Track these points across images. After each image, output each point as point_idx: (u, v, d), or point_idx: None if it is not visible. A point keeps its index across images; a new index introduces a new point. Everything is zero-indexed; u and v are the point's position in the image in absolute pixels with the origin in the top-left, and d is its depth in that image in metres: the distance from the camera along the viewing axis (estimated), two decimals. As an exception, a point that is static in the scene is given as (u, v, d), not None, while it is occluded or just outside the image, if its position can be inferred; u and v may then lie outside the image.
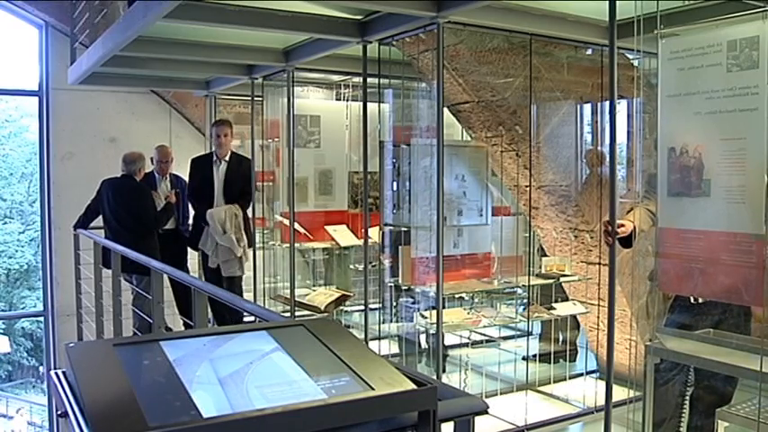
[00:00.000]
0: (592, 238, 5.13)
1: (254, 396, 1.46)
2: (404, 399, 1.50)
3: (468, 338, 6.04)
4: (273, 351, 1.70)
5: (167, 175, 7.09)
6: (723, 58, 2.77)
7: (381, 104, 5.60)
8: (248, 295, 7.00)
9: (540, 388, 5.61)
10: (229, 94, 8.07)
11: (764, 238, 2.76)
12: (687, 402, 3.81)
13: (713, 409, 3.47)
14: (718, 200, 2.78)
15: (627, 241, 3.42)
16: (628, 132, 5.46)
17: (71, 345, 1.62)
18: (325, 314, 6.23)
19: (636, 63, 4.18)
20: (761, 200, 2.68)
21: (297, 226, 6.47)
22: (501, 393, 5.42)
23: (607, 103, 4.64)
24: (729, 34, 2.76)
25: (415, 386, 1.53)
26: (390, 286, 5.60)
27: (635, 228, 3.39)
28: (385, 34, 4.81)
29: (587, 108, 5.57)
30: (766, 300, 3.40)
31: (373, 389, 1.51)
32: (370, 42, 5.02)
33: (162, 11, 4.12)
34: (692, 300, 3.51)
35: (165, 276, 4.21)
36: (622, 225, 3.36)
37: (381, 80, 5.32)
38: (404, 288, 5.33)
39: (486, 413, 1.69)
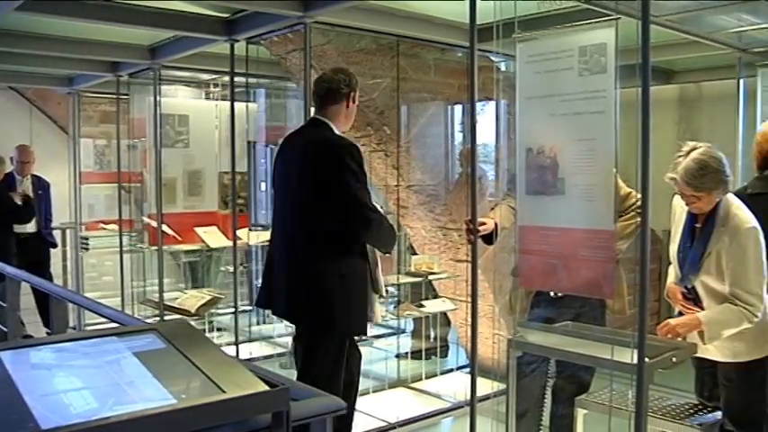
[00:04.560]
0: (459, 236, 5.26)
1: (100, 404, 1.41)
2: (255, 401, 1.48)
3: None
4: (124, 357, 1.64)
5: (28, 176, 6.78)
6: (575, 62, 2.89)
7: (250, 104, 5.54)
8: (115, 300, 6.77)
9: (413, 384, 5.69)
10: (94, 92, 7.76)
11: (614, 233, 2.91)
12: (549, 393, 3.96)
13: (573, 398, 3.63)
14: (573, 198, 2.90)
15: (489, 239, 3.52)
16: (496, 133, 5.64)
17: None
18: (196, 317, 6.11)
19: (503, 67, 4.31)
20: (610, 197, 2.82)
21: (165, 228, 6.31)
22: (374, 391, 5.46)
23: (477, 103, 4.77)
24: (581, 40, 2.88)
25: (267, 388, 1.52)
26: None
27: (497, 225, 3.50)
28: (252, 33, 4.77)
29: (458, 109, 5.71)
30: (618, 292, 3.60)
31: (225, 392, 1.48)
32: (238, 41, 4.96)
33: (13, 4, 3.92)
34: (552, 294, 3.66)
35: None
36: (484, 223, 3.45)
37: (250, 79, 5.26)
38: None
39: (343, 412, 1.70)
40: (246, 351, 5.95)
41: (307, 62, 4.28)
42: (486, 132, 6.06)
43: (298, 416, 1.60)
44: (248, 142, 6.01)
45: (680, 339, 3.35)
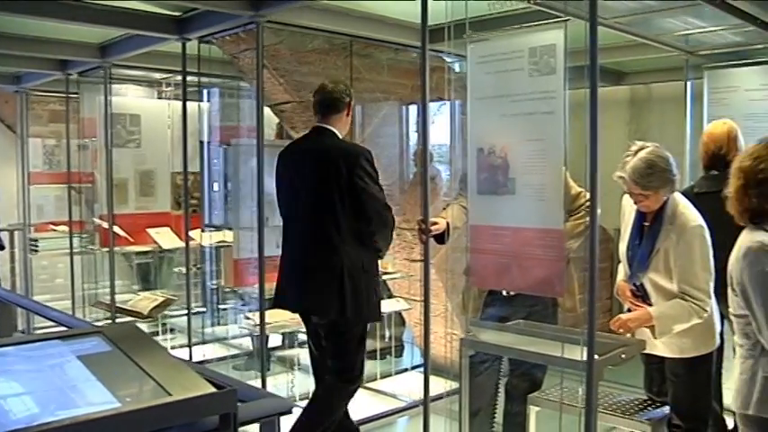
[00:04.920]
0: (413, 236, 5.26)
1: (41, 409, 1.38)
2: (202, 403, 1.47)
3: (296, 338, 6.04)
4: (67, 361, 1.62)
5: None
6: (525, 63, 2.92)
7: (202, 103, 5.49)
8: (66, 303, 6.66)
9: (368, 384, 5.67)
10: (43, 91, 7.60)
11: (564, 232, 2.95)
12: (502, 391, 4.00)
13: (526, 396, 3.67)
14: (523, 197, 2.93)
15: (442, 238, 3.54)
16: (450, 133, 5.67)
17: None
18: (149, 319, 6.04)
19: (457, 67, 4.34)
20: (560, 197, 2.85)
21: (117, 229, 6.23)
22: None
23: (432, 104, 4.79)
24: (531, 41, 2.91)
25: (214, 390, 1.51)
26: (213, 289, 5.51)
27: (449, 225, 3.51)
28: (204, 32, 4.72)
29: (413, 109, 5.72)
30: (570, 291, 3.65)
31: (170, 394, 1.47)
32: (190, 40, 4.91)
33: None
34: (504, 293, 3.69)
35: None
36: (436, 223, 3.47)
37: (202, 79, 5.21)
38: (226, 290, 5.25)
39: (291, 413, 1.70)
40: (200, 353, 5.89)
41: (259, 62, 4.25)
42: (441, 132, 6.10)
43: (246, 417, 1.59)
44: (201, 142, 5.95)
45: (629, 336, 3.41)
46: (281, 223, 3.98)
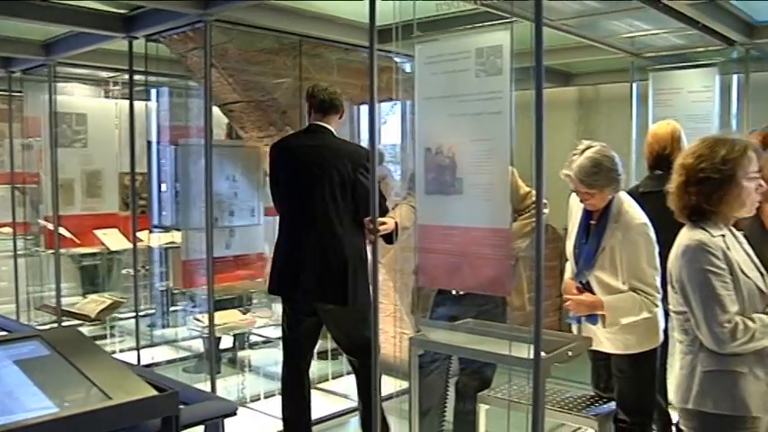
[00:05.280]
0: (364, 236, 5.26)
1: (-25, 415, 1.35)
2: (143, 406, 1.45)
3: (247, 340, 6.00)
4: (4, 366, 1.58)
5: None
6: (472, 64, 2.93)
7: (150, 103, 5.41)
8: (9, 307, 6.51)
9: (319, 385, 5.66)
10: (-15, 89, 7.43)
11: (511, 232, 2.97)
12: (452, 390, 4.02)
13: (476, 394, 3.69)
14: (470, 197, 2.94)
15: (390, 238, 3.55)
16: (401, 133, 5.69)
17: None
18: (97, 322, 5.94)
19: (408, 68, 4.34)
20: (507, 197, 2.87)
21: (62, 230, 6.10)
22: (279, 393, 5.41)
23: (384, 104, 4.81)
24: (477, 42, 2.92)
25: (156, 393, 1.49)
26: (162, 290, 5.43)
27: (397, 224, 3.52)
28: (151, 30, 4.65)
29: (364, 109, 5.71)
30: (518, 289, 3.69)
31: (110, 398, 1.44)
32: (137, 38, 4.83)
33: None
34: (454, 292, 3.71)
35: None
36: (384, 222, 3.48)
37: (150, 78, 5.14)
38: (174, 292, 5.19)
39: (235, 414, 1.68)
40: (148, 356, 5.82)
41: (207, 61, 4.21)
42: (392, 132, 6.12)
43: (190, 419, 1.58)
44: (148, 142, 5.88)
45: (575, 332, 3.47)
46: (279, 217, 4.18)
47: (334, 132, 4.03)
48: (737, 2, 4.55)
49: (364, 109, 5.71)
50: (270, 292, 4.19)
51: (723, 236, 2.50)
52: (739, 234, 2.64)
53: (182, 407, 1.57)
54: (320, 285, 3.93)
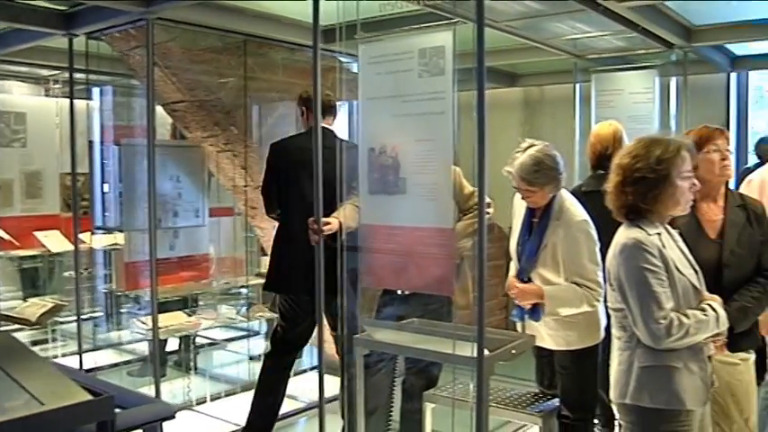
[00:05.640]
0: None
1: None
2: (76, 412, 1.42)
3: (193, 342, 5.93)
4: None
5: None
6: (415, 64, 2.94)
7: (91, 102, 5.31)
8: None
9: (267, 387, 5.63)
10: None
11: (454, 231, 2.99)
12: (398, 389, 4.03)
13: (422, 393, 3.71)
14: (414, 197, 2.95)
15: (335, 238, 3.54)
16: (348, 133, 5.67)
17: None
18: (38, 327, 5.80)
19: (355, 68, 4.34)
20: (450, 196, 2.89)
21: (1, 232, 5.96)
22: (226, 395, 5.38)
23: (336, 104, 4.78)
24: (421, 43, 2.94)
25: (90, 397, 1.46)
26: (105, 293, 5.34)
27: (341, 225, 3.52)
28: (92, 28, 4.56)
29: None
30: (464, 289, 3.71)
31: (43, 404, 1.41)
32: (77, 35, 4.73)
33: None
34: (399, 292, 3.72)
35: None
36: (328, 223, 3.47)
37: (91, 76, 5.04)
38: (118, 294, 5.10)
39: (174, 418, 1.66)
40: (91, 360, 5.71)
41: (149, 60, 4.14)
42: (341, 132, 6.10)
43: (126, 424, 1.55)
44: (90, 142, 5.77)
45: (519, 330, 3.51)
46: (279, 217, 4.29)
47: (336, 134, 4.12)
48: (675, 5, 4.65)
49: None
50: (272, 290, 4.33)
51: (659, 234, 2.55)
52: (675, 232, 2.70)
53: (118, 411, 1.55)
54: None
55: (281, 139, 4.37)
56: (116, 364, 6.05)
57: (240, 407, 5.12)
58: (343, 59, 4.61)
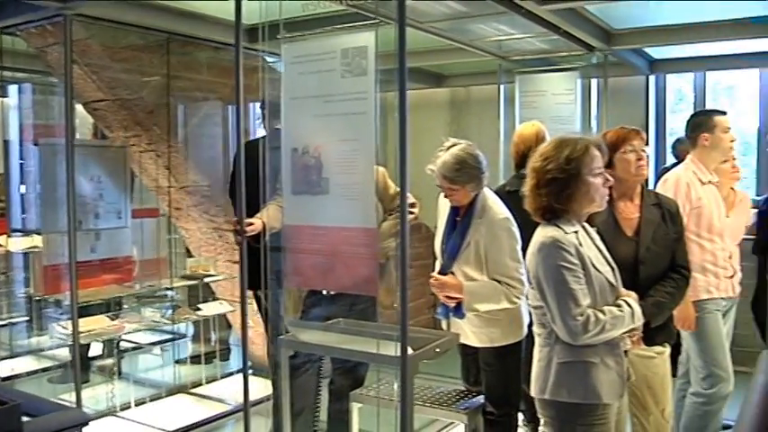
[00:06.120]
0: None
1: None
2: (-21, 421, 1.38)
3: (117, 347, 5.80)
4: None
5: None
6: (338, 64, 2.94)
7: (8, 99, 5.13)
8: None
9: (193, 390, 5.55)
10: None
11: (377, 231, 3.00)
12: (324, 389, 4.03)
13: (349, 393, 3.71)
14: (337, 197, 2.94)
15: (258, 239, 3.51)
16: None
17: None
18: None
19: (281, 68, 4.30)
20: (372, 196, 2.89)
21: None
22: (151, 400, 5.27)
23: (255, 104, 4.73)
24: (343, 43, 2.93)
25: (-5, 406, 1.42)
26: (24, 298, 5.17)
27: (265, 225, 3.50)
28: (6, 23, 4.40)
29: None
30: (390, 288, 3.72)
31: (-56, 414, 1.36)
32: (-10, 31, 4.58)
33: None
34: (325, 293, 3.71)
35: None
36: (251, 224, 3.44)
37: (6, 73, 4.87)
38: (37, 299, 4.95)
39: (87, 424, 1.63)
40: (8, 367, 5.53)
41: (67, 57, 4.02)
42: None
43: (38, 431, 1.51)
44: (5, 141, 5.57)
45: (444, 328, 3.55)
46: None
47: None
48: (595, 9, 4.76)
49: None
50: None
51: (576, 232, 2.61)
52: (592, 230, 2.77)
53: (27, 420, 1.50)
54: None
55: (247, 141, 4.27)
56: (35, 371, 5.86)
57: (166, 411, 5.05)
58: (269, 59, 4.58)
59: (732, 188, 4.09)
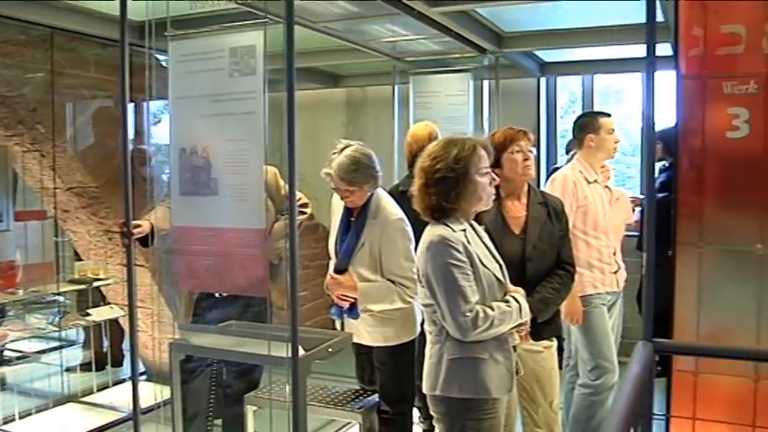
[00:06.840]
0: (129, 239, 5.04)
1: None
2: None
3: (0, 356, 5.54)
4: None
5: None
6: (226, 63, 2.90)
7: None
8: None
9: (83, 399, 5.37)
10: None
11: (266, 232, 2.97)
12: (218, 393, 3.95)
13: (243, 396, 3.66)
14: (226, 198, 2.91)
15: (146, 241, 3.43)
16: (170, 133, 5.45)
17: None
18: None
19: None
20: (261, 197, 2.87)
21: None
22: (37, 411, 5.06)
23: (156, 102, 4.59)
24: (232, 41, 2.90)
25: None
26: None
27: (153, 226, 3.42)
28: None
29: (131, 107, 5.44)
30: (282, 290, 3.69)
31: None
32: None
33: None
34: (217, 295, 3.66)
35: None
36: (139, 225, 3.36)
37: None
38: None
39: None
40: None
41: (-60, 51, 3.83)
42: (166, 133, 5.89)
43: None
44: None
45: (339, 328, 3.55)
46: None
47: None
48: (486, 12, 4.86)
49: (130, 107, 5.46)
50: None
51: (464, 230, 2.66)
52: (480, 228, 2.83)
53: None
54: None
55: None
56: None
57: (54, 422, 4.86)
58: (160, 57, 4.47)
59: (607, 186, 4.24)
